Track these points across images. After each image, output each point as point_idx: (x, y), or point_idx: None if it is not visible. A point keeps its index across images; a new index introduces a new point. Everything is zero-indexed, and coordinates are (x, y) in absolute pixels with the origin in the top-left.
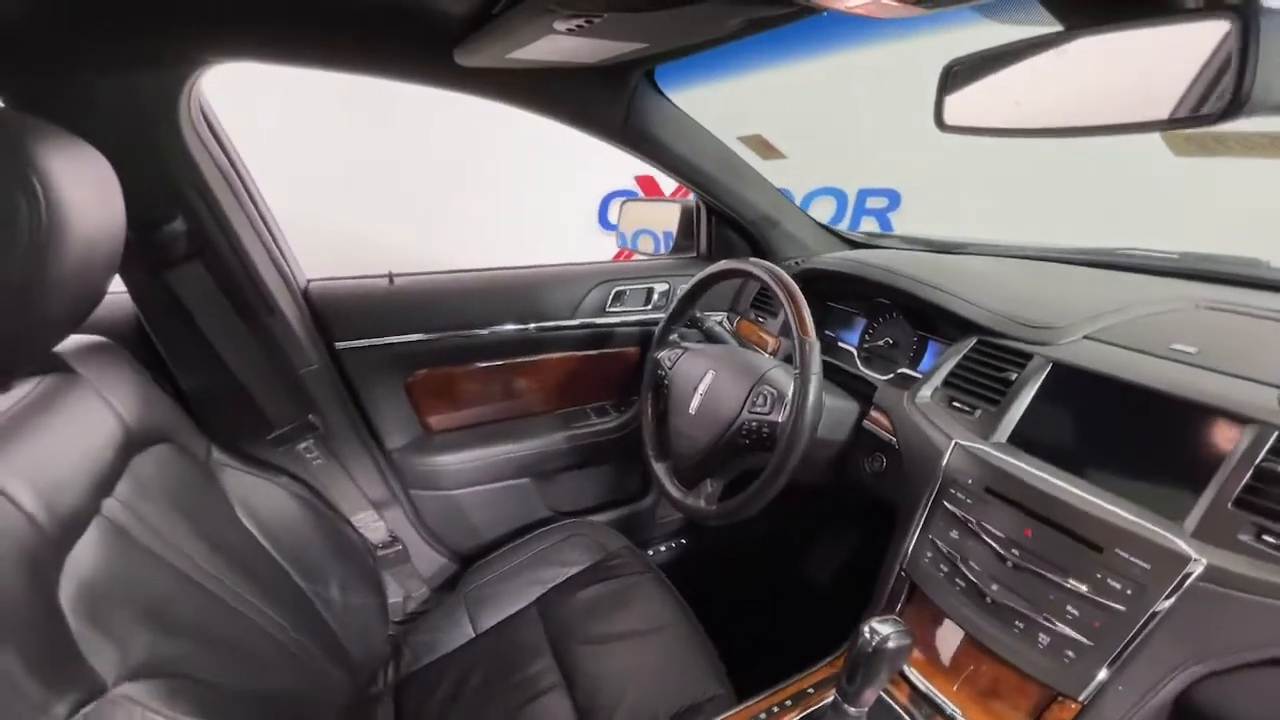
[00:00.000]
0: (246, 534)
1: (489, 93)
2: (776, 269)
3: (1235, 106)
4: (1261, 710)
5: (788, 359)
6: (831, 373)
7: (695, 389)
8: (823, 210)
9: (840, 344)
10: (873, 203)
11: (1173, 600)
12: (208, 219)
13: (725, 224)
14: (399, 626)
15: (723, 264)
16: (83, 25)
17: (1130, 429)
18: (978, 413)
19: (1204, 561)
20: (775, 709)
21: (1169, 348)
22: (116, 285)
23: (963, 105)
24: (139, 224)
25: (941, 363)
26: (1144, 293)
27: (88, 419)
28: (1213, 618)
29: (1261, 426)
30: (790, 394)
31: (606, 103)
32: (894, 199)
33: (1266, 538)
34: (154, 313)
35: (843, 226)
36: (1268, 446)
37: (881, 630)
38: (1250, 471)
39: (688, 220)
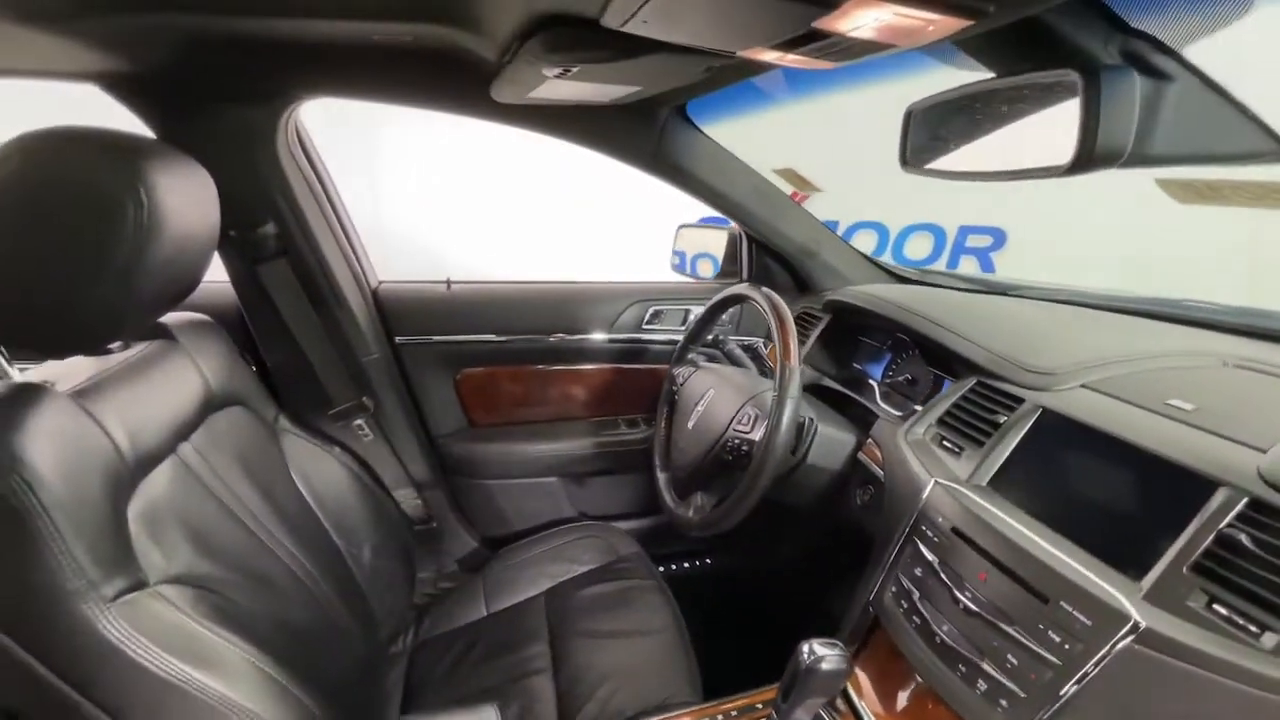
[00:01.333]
0: (296, 492)
1: (526, 124)
2: (774, 297)
3: (1080, 161)
4: None
5: (807, 387)
6: (845, 405)
7: (696, 405)
8: (917, 247)
9: (864, 378)
10: (975, 240)
11: (1105, 660)
12: (293, 225)
13: (765, 253)
14: (425, 598)
15: (730, 289)
16: (209, 74)
17: (1107, 483)
18: (964, 453)
19: (1142, 624)
20: (719, 717)
21: (1164, 403)
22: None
23: (924, 148)
24: (240, 226)
25: (938, 401)
26: (1176, 345)
27: (179, 379)
28: (1142, 684)
29: (1232, 491)
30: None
31: (636, 135)
32: (999, 238)
33: (1217, 607)
34: (248, 299)
35: (940, 265)
36: (1234, 513)
37: (818, 651)
38: (1212, 536)
39: (733, 247)
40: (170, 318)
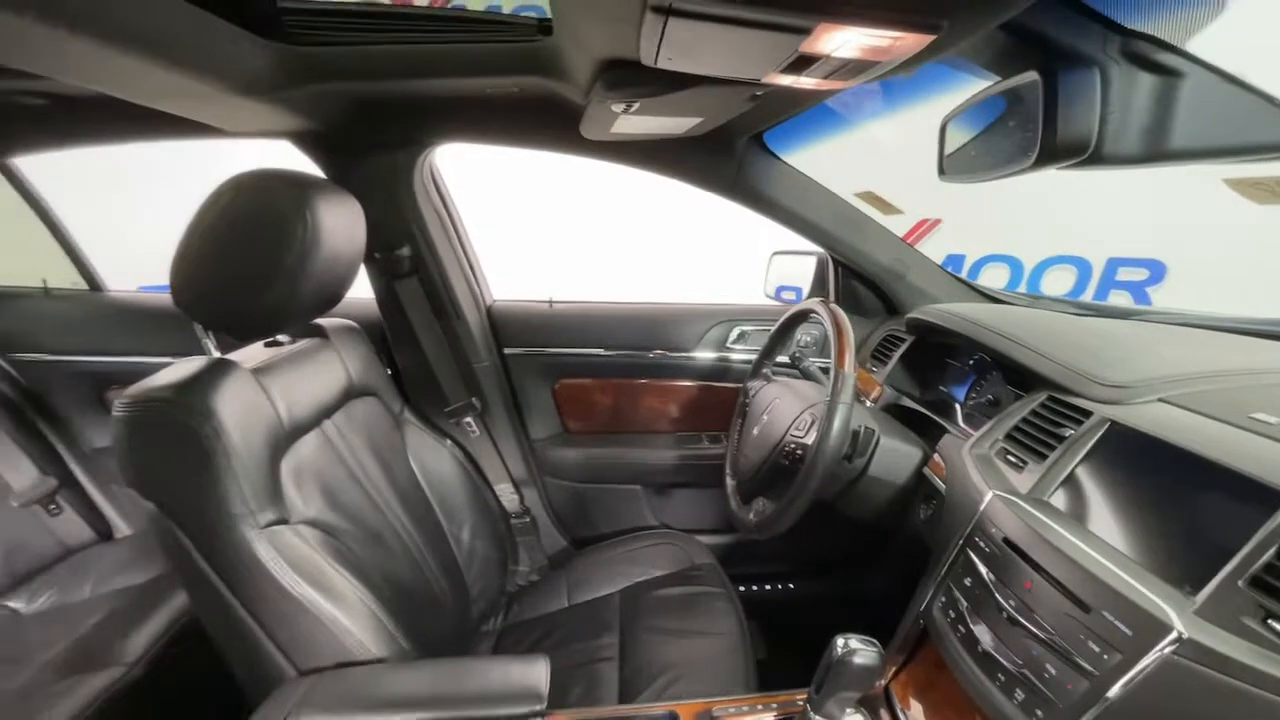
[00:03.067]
0: (411, 473)
1: (614, 158)
2: (835, 308)
3: (1043, 156)
4: None
5: (885, 407)
6: (926, 426)
7: (762, 415)
8: (1056, 282)
9: (949, 400)
10: (1127, 274)
11: (1143, 672)
12: (424, 249)
13: (852, 276)
14: (516, 587)
15: (798, 305)
16: (366, 128)
17: (1171, 498)
18: (1027, 467)
19: (1185, 635)
20: (760, 707)
21: (1248, 417)
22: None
23: (955, 155)
24: (383, 249)
25: (1006, 416)
26: (1271, 361)
27: (328, 369)
28: (1181, 697)
29: None
30: None
31: (714, 164)
32: (1157, 271)
33: (1273, 623)
34: (386, 310)
35: (1085, 298)
36: None
37: (852, 645)
38: (1273, 550)
39: (821, 271)
40: (325, 321)
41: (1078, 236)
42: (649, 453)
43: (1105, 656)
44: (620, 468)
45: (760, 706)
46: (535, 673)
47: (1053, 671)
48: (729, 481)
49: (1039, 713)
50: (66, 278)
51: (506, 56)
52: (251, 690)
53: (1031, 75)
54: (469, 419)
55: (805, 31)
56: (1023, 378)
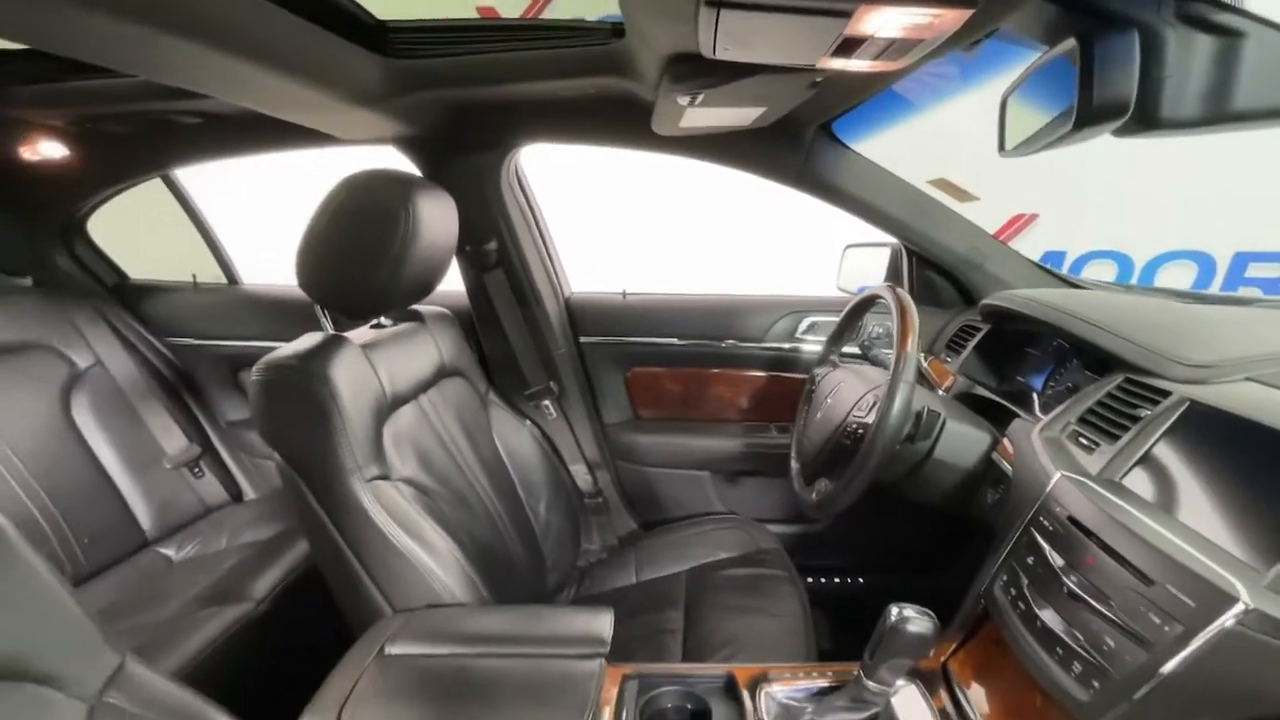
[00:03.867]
0: (494, 448)
1: (684, 152)
2: (901, 292)
3: (1082, 120)
4: None
5: (958, 396)
6: (1002, 416)
7: (826, 398)
8: (1173, 280)
9: (1027, 390)
10: (1259, 270)
11: (1206, 642)
12: (509, 244)
13: (927, 266)
14: (587, 562)
15: (866, 291)
16: (459, 132)
17: (1250, 477)
18: (1098, 449)
19: (1251, 605)
20: (815, 674)
21: None
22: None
23: (1016, 130)
24: (473, 243)
25: (1080, 399)
26: None
27: (424, 350)
28: (1245, 667)
29: None
30: None
31: (781, 155)
32: None
33: None
34: (474, 299)
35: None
36: None
37: (907, 613)
38: None
39: (895, 263)
40: (421, 307)
41: (1200, 230)
42: (718, 441)
43: (1166, 628)
44: (689, 454)
45: (815, 674)
46: (601, 622)
47: (1111, 644)
48: (794, 465)
49: (1095, 684)
50: (210, 272)
51: (584, 59)
52: (355, 624)
53: (1070, 42)
54: (547, 402)
55: (847, 15)
56: (1102, 363)
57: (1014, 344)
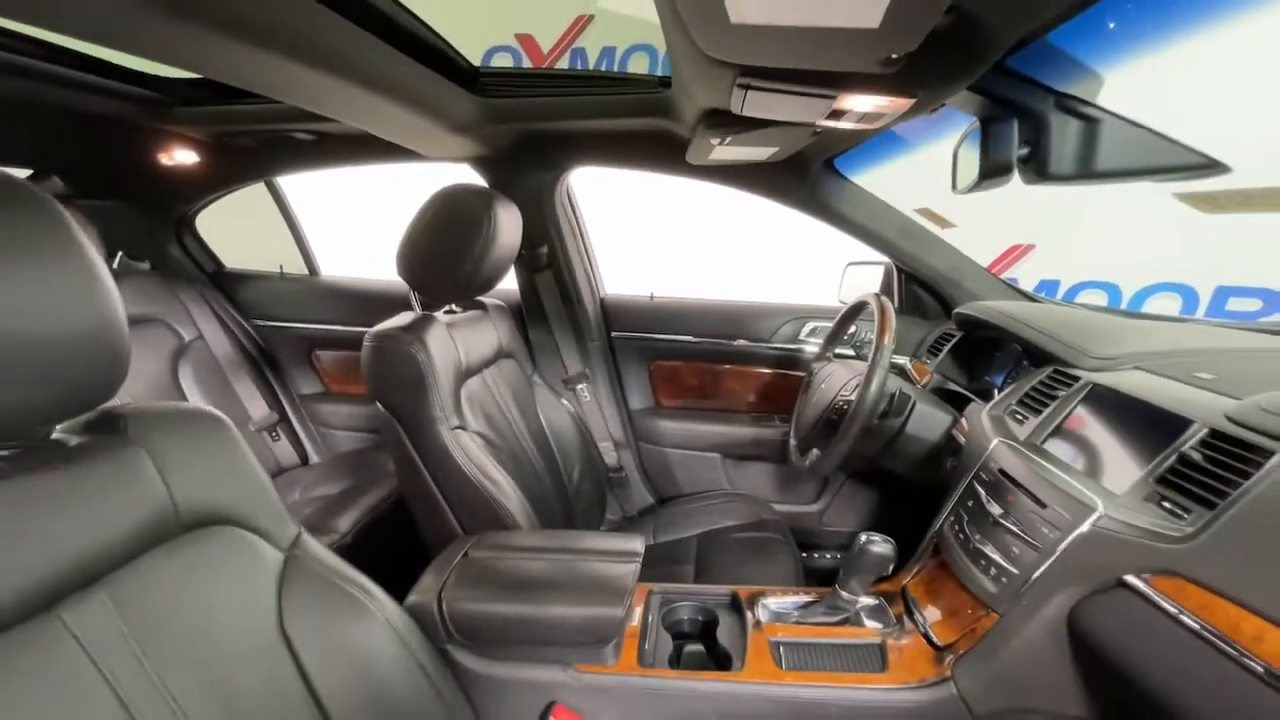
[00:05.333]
0: (539, 420)
1: (711, 178)
2: (884, 298)
3: (983, 175)
4: (1116, 636)
5: (934, 390)
6: (963, 403)
7: (820, 384)
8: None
9: (990, 387)
10: (1238, 304)
11: (1072, 539)
12: (558, 250)
13: (914, 282)
14: (610, 529)
15: (858, 297)
16: (524, 155)
17: (1128, 433)
18: (1027, 421)
19: (1103, 511)
20: (801, 593)
21: (1191, 375)
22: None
23: (963, 173)
24: (528, 247)
25: (1019, 385)
26: (1249, 343)
27: (487, 334)
28: (1093, 552)
29: (1199, 425)
30: None
31: (792, 184)
32: (1272, 301)
33: (1165, 503)
34: (525, 295)
35: None
36: (1196, 438)
37: (871, 538)
38: (1175, 456)
39: (888, 279)
40: (485, 299)
41: (1182, 263)
42: (728, 427)
43: (1051, 535)
44: (702, 438)
45: (801, 593)
46: (634, 541)
47: (1016, 551)
48: (792, 441)
49: (1004, 580)
50: (294, 264)
51: (634, 103)
52: (434, 545)
53: (975, 122)
54: (582, 386)
55: (832, 98)
56: (1040, 358)
57: (983, 348)
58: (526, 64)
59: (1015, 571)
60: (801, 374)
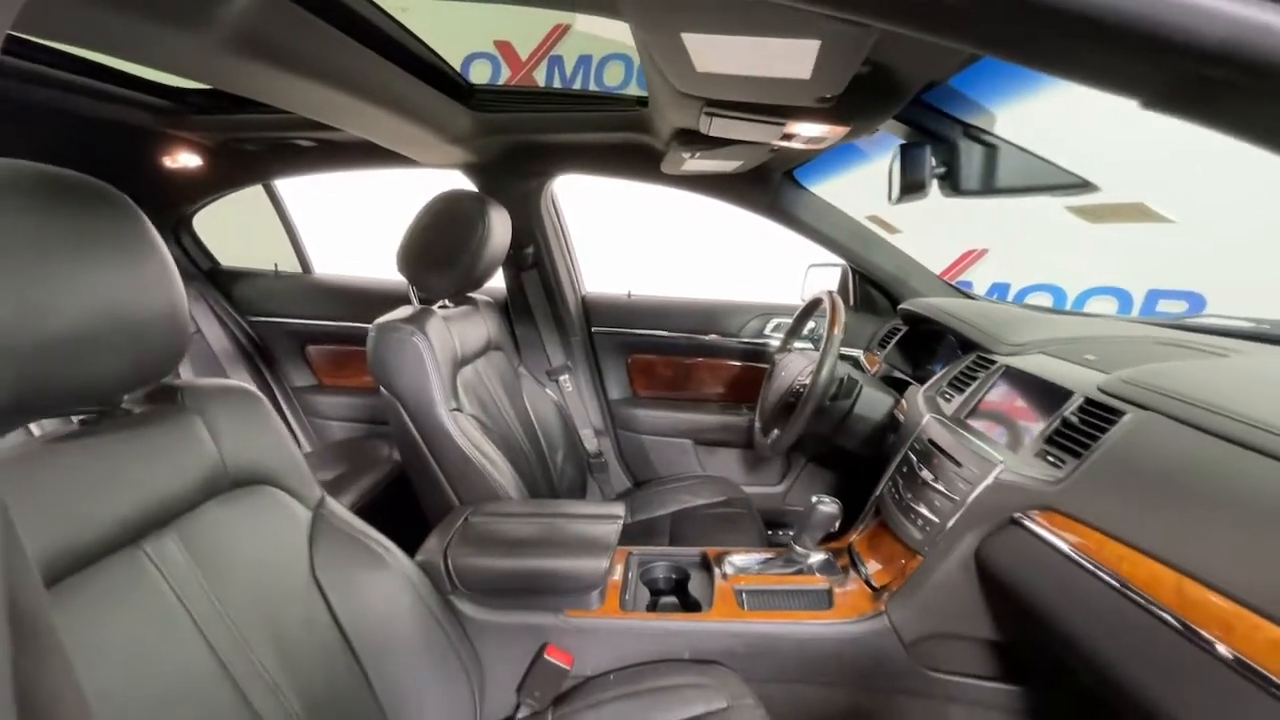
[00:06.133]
0: (525, 408)
1: (683, 187)
2: (835, 296)
3: (903, 192)
4: (1008, 563)
5: (882, 377)
6: (905, 389)
7: (780, 372)
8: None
9: (930, 374)
10: (1167, 305)
11: (980, 490)
12: (542, 250)
13: (867, 282)
14: None
15: (812, 295)
16: (512, 163)
17: (1030, 405)
18: (954, 399)
19: (1003, 466)
20: (762, 551)
21: (1081, 357)
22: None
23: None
24: (515, 247)
25: (950, 370)
26: (1133, 332)
27: (478, 327)
28: (995, 499)
29: (1078, 395)
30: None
31: (756, 193)
32: (1196, 303)
33: (1049, 457)
34: (512, 293)
35: None
36: (1074, 406)
37: (822, 499)
38: (1059, 421)
39: (844, 279)
40: (476, 295)
41: (1119, 267)
42: (700, 416)
43: (965, 487)
44: (676, 425)
45: (762, 551)
46: (616, 506)
47: (938, 504)
48: (756, 424)
49: (928, 529)
50: (289, 262)
51: (615, 119)
52: (433, 516)
53: (896, 146)
54: (564, 377)
55: (783, 123)
56: (968, 346)
57: (925, 340)
58: (505, 70)
59: (936, 520)
60: (766, 366)
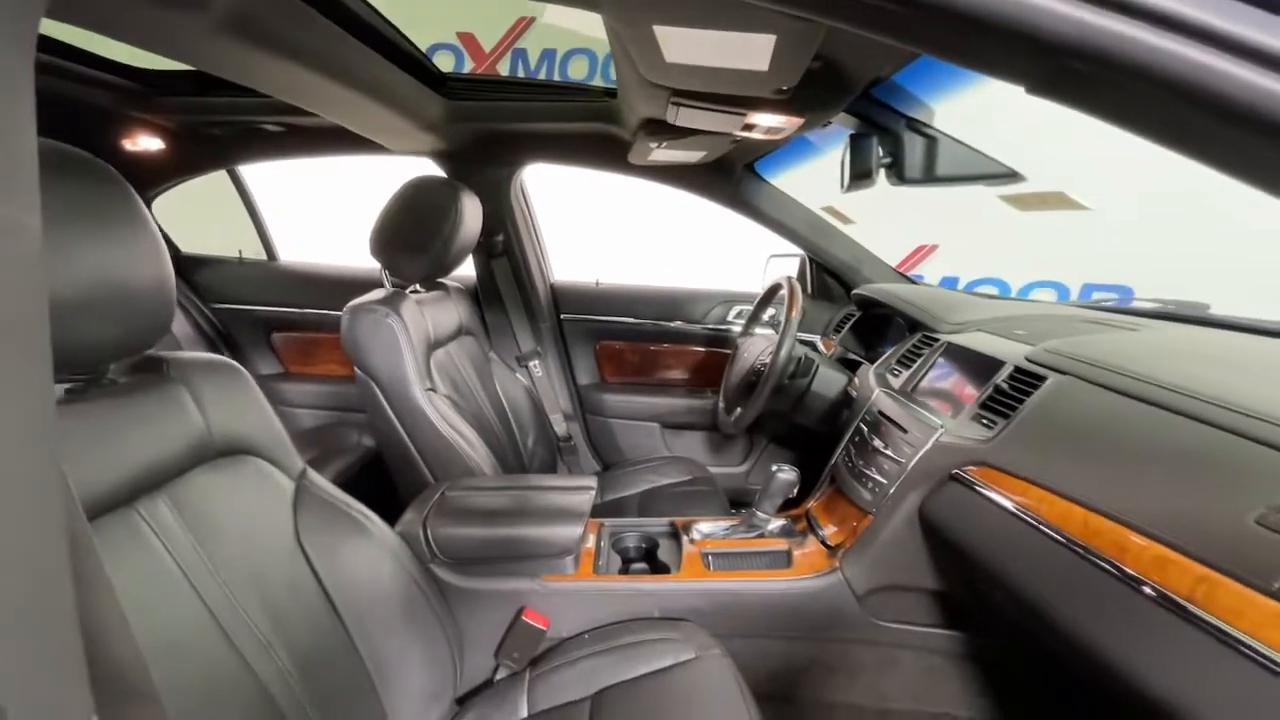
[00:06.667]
0: (496, 392)
1: (651, 178)
2: (794, 282)
3: (853, 180)
4: (947, 514)
5: (838, 359)
6: (855, 367)
7: (743, 353)
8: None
9: (880, 356)
10: (1100, 298)
11: (922, 452)
12: (512, 238)
13: (824, 271)
14: None
15: (772, 282)
16: (482, 151)
17: (969, 377)
18: (902, 374)
19: (943, 430)
20: (726, 519)
21: (1013, 333)
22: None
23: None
24: (485, 235)
25: (898, 348)
26: (1059, 313)
27: (449, 312)
28: (935, 459)
29: (1009, 364)
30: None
31: (719, 184)
32: (1126, 295)
33: (983, 420)
34: (482, 280)
35: None
36: (1005, 375)
37: (781, 467)
38: (992, 388)
39: (803, 268)
40: (447, 281)
41: (1057, 262)
42: (666, 400)
43: (909, 451)
44: (643, 409)
45: (726, 519)
46: (588, 479)
47: (886, 467)
48: (720, 404)
49: (877, 490)
50: (254, 249)
51: (584, 109)
52: (409, 494)
53: (845, 138)
54: (534, 363)
55: (744, 114)
56: (915, 326)
57: (877, 325)
58: (468, 62)
59: (884, 482)
60: (729, 351)
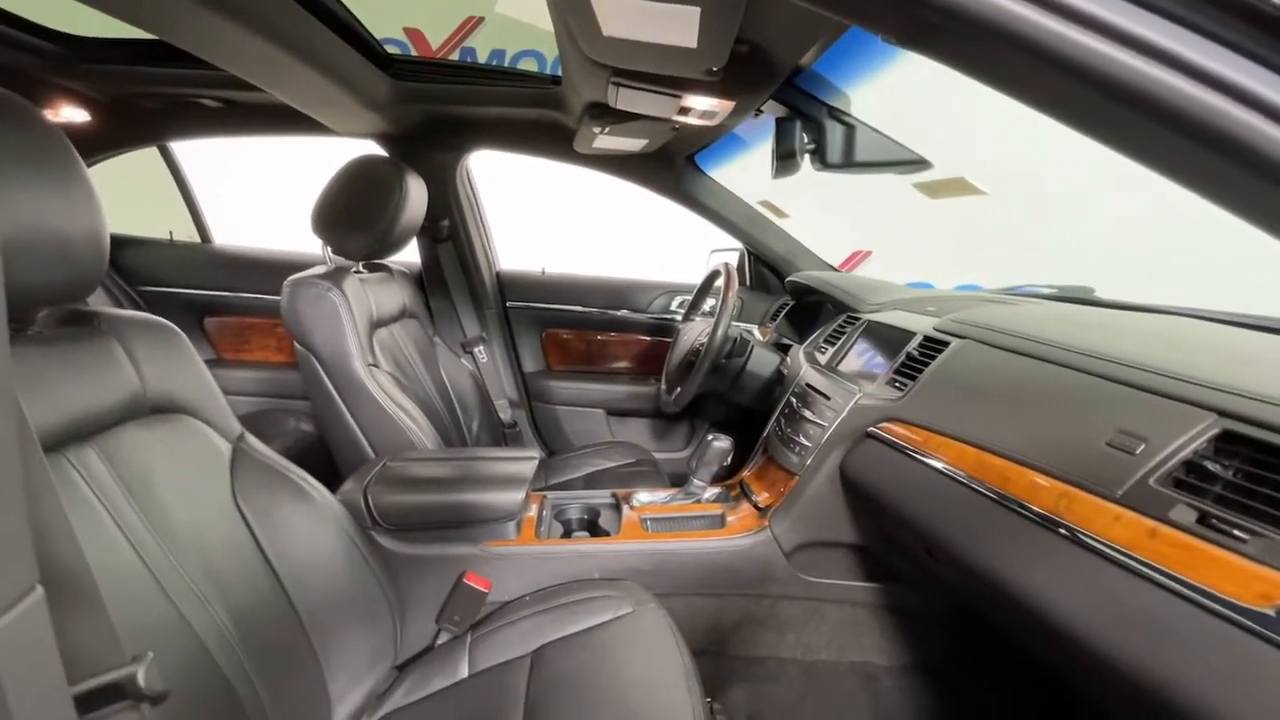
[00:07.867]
0: (440, 376)
1: (596, 167)
2: (730, 267)
3: (780, 167)
4: (863, 468)
5: (772, 344)
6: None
7: (683, 336)
8: None
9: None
10: None
11: (842, 416)
12: (458, 223)
13: (761, 263)
14: None
15: (710, 270)
16: (428, 134)
17: (882, 346)
18: (827, 351)
19: (861, 394)
20: (664, 490)
21: (925, 310)
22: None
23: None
24: (431, 220)
25: (825, 328)
26: (974, 295)
27: (393, 294)
28: (853, 420)
29: (919, 335)
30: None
31: (661, 174)
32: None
33: (895, 384)
34: (427, 264)
35: None
36: (916, 344)
37: (714, 434)
38: (904, 357)
39: (741, 261)
40: (390, 263)
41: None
42: (611, 387)
43: (831, 414)
44: (588, 396)
45: (664, 489)
46: (532, 450)
47: (812, 432)
48: (662, 386)
49: (802, 453)
50: (186, 231)
51: (530, 95)
52: (348, 471)
53: (771, 124)
54: (479, 349)
55: (680, 96)
56: (841, 308)
57: (810, 312)
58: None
59: (809, 445)
60: (670, 339)
